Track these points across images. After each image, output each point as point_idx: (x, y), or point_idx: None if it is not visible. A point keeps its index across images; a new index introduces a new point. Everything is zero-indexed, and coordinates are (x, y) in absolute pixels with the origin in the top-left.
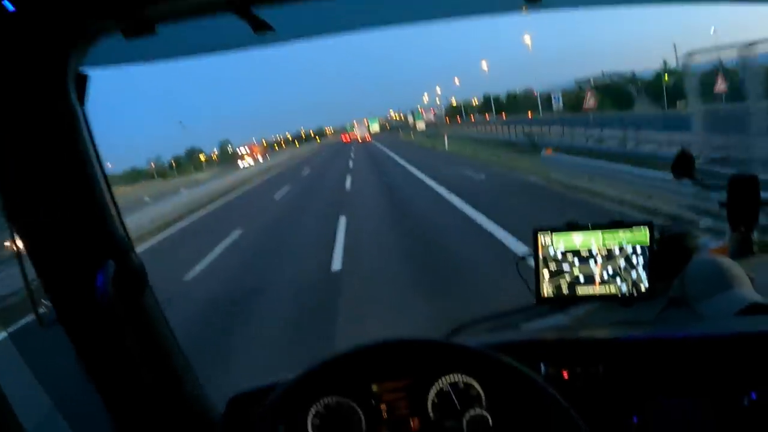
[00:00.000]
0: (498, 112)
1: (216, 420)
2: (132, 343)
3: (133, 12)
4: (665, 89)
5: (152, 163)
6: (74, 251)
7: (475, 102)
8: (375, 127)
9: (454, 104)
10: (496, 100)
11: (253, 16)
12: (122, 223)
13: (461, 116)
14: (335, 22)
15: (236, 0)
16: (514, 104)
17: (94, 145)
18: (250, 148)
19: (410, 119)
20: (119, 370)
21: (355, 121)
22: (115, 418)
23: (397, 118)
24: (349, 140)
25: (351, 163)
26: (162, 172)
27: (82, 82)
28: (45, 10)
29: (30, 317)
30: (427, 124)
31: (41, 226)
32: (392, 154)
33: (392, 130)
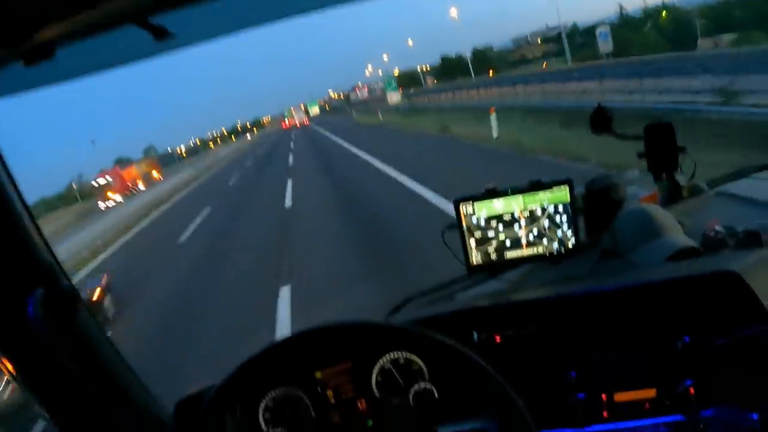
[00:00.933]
0: (478, 72)
1: (169, 426)
2: (73, 364)
3: (30, 38)
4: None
5: (74, 184)
6: (2, 283)
7: (425, 68)
8: (315, 110)
9: (397, 74)
10: (460, 60)
11: (151, 26)
12: (49, 248)
13: (418, 83)
14: (237, 20)
15: (131, 12)
16: (485, 60)
17: (8, 173)
18: (115, 176)
19: (354, 95)
20: (65, 392)
21: (292, 108)
22: None
23: (337, 98)
24: (288, 126)
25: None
26: (86, 193)
27: None
28: None
29: None
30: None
31: None
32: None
33: (335, 111)
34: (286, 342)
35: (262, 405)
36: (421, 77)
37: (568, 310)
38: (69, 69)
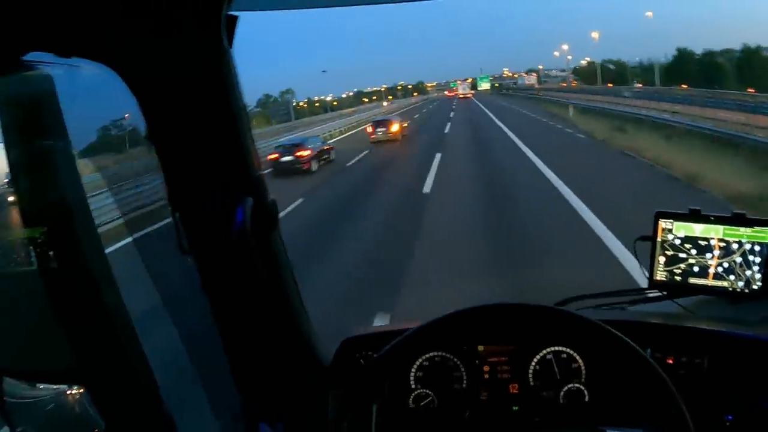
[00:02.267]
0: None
1: (326, 361)
2: (258, 279)
3: None
4: None
5: None
6: (215, 186)
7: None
8: (485, 86)
9: (585, 64)
10: (709, 61)
11: None
12: (259, 163)
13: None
14: None
15: None
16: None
17: (238, 86)
18: None
19: (528, 80)
20: (241, 303)
21: (458, 81)
22: (230, 349)
23: (510, 76)
24: (452, 95)
25: None
26: None
27: (231, 23)
28: None
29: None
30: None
31: (188, 159)
32: None
33: (506, 92)
34: (461, 315)
35: (417, 364)
36: (626, 75)
37: (743, 351)
38: None
